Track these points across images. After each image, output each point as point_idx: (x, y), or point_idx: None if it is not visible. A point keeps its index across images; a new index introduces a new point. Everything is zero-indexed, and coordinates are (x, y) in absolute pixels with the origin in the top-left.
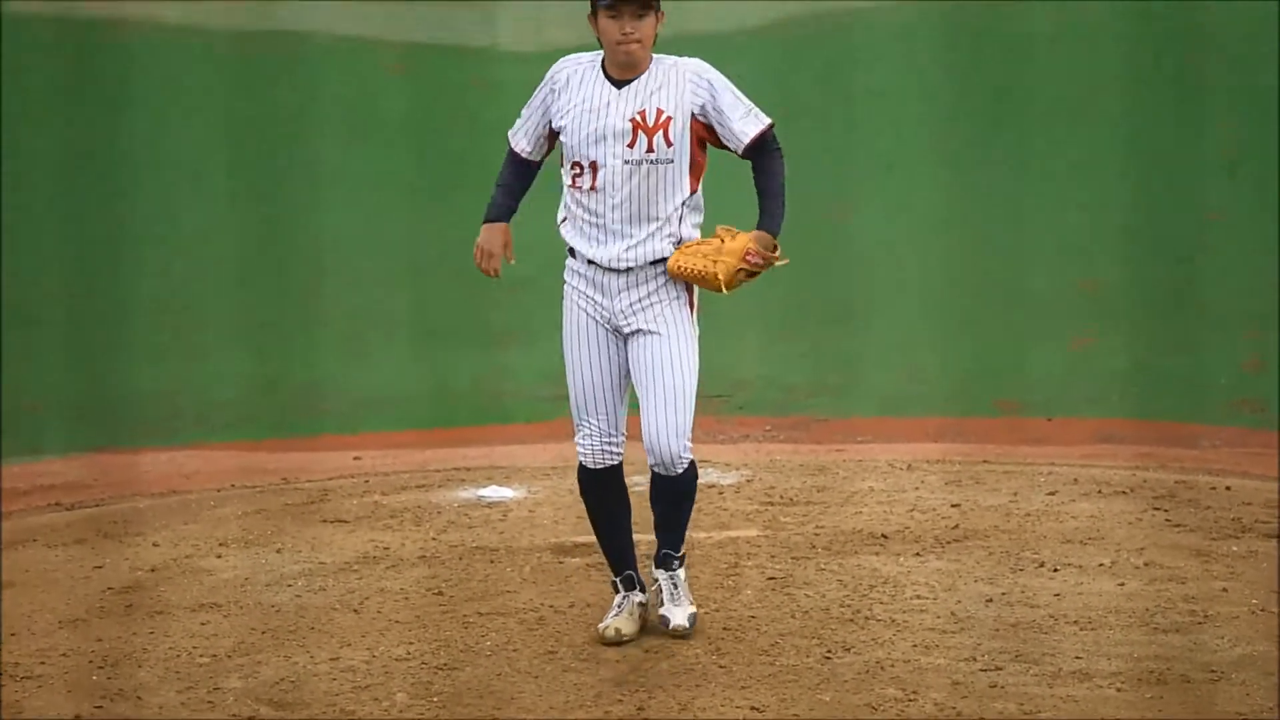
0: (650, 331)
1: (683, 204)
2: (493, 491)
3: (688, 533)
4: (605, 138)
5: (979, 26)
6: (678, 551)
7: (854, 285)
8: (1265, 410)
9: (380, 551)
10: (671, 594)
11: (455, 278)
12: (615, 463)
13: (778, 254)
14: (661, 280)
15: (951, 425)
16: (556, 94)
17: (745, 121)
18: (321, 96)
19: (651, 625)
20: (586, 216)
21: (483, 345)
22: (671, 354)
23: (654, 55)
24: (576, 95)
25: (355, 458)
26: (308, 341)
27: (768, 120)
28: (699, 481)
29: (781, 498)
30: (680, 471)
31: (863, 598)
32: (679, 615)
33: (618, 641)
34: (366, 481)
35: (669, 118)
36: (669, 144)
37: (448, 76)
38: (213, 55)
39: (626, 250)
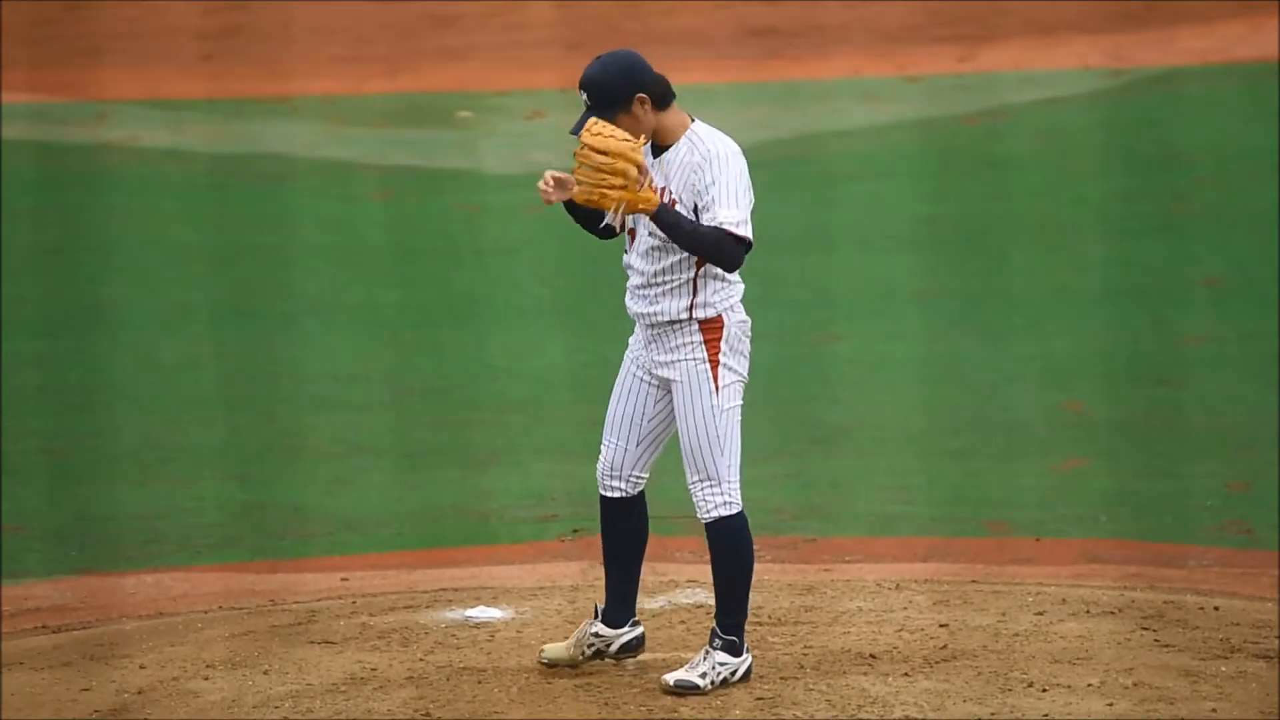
0: (675, 385)
1: (697, 275)
2: (480, 612)
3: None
4: None
5: (957, 147)
6: (724, 631)
7: (840, 408)
8: (1252, 531)
9: (368, 673)
10: (694, 662)
11: (438, 401)
12: (615, 496)
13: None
14: (682, 339)
15: (939, 545)
16: None
17: (709, 213)
18: (304, 221)
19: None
20: (629, 274)
21: (467, 468)
22: (689, 407)
23: (697, 126)
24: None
25: (343, 579)
26: (291, 466)
27: (735, 230)
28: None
29: (769, 618)
30: (710, 520)
31: (851, 718)
32: (675, 673)
33: (542, 661)
34: (354, 602)
35: (675, 199)
36: None
37: (431, 201)
38: (194, 181)
39: (648, 308)
